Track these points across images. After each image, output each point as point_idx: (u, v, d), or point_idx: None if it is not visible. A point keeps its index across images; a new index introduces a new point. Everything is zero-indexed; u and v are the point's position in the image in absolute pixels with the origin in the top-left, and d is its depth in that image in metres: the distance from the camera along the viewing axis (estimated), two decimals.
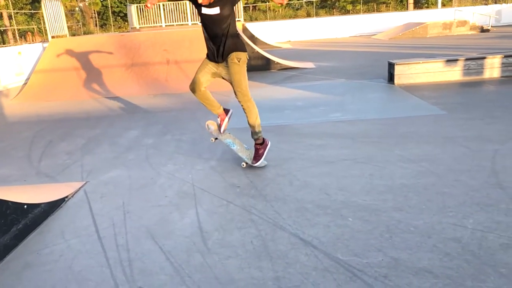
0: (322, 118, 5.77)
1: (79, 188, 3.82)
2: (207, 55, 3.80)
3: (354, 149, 4.36)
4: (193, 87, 3.84)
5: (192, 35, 10.65)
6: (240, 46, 3.69)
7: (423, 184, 3.37)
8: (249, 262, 2.49)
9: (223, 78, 3.83)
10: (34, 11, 29.68)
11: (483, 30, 19.20)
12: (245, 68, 3.73)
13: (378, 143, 4.48)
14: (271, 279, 2.32)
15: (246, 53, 3.72)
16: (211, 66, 3.78)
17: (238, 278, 2.35)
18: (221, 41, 3.59)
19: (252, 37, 17.79)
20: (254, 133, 3.92)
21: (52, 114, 7.51)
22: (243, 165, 4.01)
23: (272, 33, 22.47)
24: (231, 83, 3.75)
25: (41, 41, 13.15)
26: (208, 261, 2.54)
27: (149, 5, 3.46)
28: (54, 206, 3.38)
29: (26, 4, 31.59)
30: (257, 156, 3.92)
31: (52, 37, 11.52)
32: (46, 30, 11.88)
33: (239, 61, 3.63)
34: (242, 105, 3.82)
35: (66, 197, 3.60)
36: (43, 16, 11.82)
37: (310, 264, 2.42)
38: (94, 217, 3.24)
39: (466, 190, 3.19)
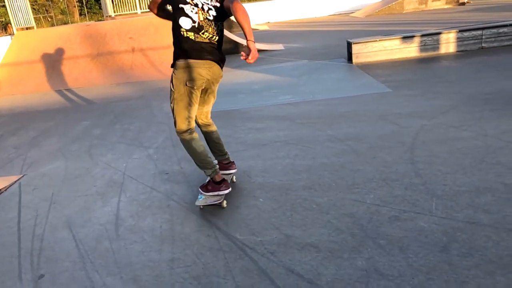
0: (271, 101, 5.84)
1: (15, 182, 3.90)
2: None
3: (290, 130, 4.45)
4: None
5: (157, 22, 10.57)
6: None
7: (341, 162, 3.48)
8: (152, 246, 2.60)
9: None
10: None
11: (460, 3, 19.12)
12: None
13: (314, 123, 4.57)
14: (166, 261, 2.43)
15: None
16: None
17: (136, 261, 2.46)
18: None
19: (228, 20, 17.66)
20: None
21: (12, 108, 7.52)
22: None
23: (251, 14, 22.23)
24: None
25: (9, 34, 12.98)
26: (114, 246, 2.64)
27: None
28: None
29: None
30: (202, 186, 3.05)
31: (17, 29, 11.39)
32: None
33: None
34: (210, 125, 3.23)
35: None
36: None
37: (208, 245, 2.54)
38: (20, 209, 3.33)
39: (378, 167, 3.30)
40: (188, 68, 2.78)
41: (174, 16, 2.78)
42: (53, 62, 9.90)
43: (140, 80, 8.75)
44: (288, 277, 2.15)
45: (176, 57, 2.84)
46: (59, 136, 5.31)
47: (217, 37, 2.85)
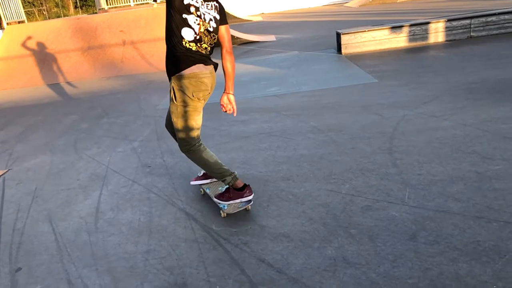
0: (259, 93, 5.85)
1: None
2: None
3: (274, 122, 4.47)
4: None
5: (148, 14, 10.55)
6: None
7: (321, 153, 3.52)
8: (128, 238, 2.64)
9: None
10: None
11: None
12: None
13: (299, 115, 4.59)
14: (142, 252, 2.47)
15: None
16: None
17: (112, 253, 2.50)
18: None
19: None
20: None
21: (1, 103, 7.53)
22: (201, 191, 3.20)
23: (246, 6, 22.16)
24: None
25: None
26: (92, 239, 2.68)
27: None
28: None
29: None
30: (220, 195, 2.86)
31: (8, 23, 11.33)
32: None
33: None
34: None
35: None
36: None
37: (183, 236, 2.58)
38: (3, 203, 3.36)
39: (356, 157, 3.34)
40: (194, 79, 2.67)
41: (175, 25, 2.60)
42: (44, 56, 9.88)
43: (130, 74, 8.74)
44: (259, 267, 2.19)
45: (176, 67, 2.68)
46: (46, 131, 5.33)
47: (210, 48, 2.76)
